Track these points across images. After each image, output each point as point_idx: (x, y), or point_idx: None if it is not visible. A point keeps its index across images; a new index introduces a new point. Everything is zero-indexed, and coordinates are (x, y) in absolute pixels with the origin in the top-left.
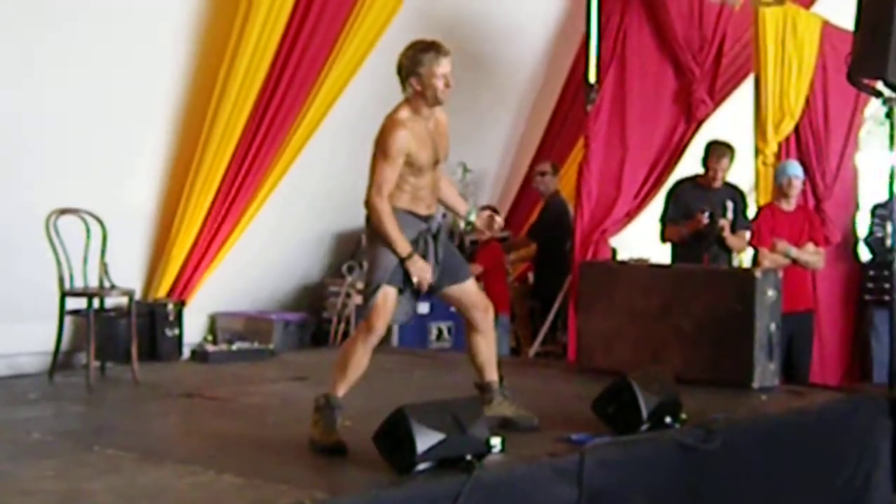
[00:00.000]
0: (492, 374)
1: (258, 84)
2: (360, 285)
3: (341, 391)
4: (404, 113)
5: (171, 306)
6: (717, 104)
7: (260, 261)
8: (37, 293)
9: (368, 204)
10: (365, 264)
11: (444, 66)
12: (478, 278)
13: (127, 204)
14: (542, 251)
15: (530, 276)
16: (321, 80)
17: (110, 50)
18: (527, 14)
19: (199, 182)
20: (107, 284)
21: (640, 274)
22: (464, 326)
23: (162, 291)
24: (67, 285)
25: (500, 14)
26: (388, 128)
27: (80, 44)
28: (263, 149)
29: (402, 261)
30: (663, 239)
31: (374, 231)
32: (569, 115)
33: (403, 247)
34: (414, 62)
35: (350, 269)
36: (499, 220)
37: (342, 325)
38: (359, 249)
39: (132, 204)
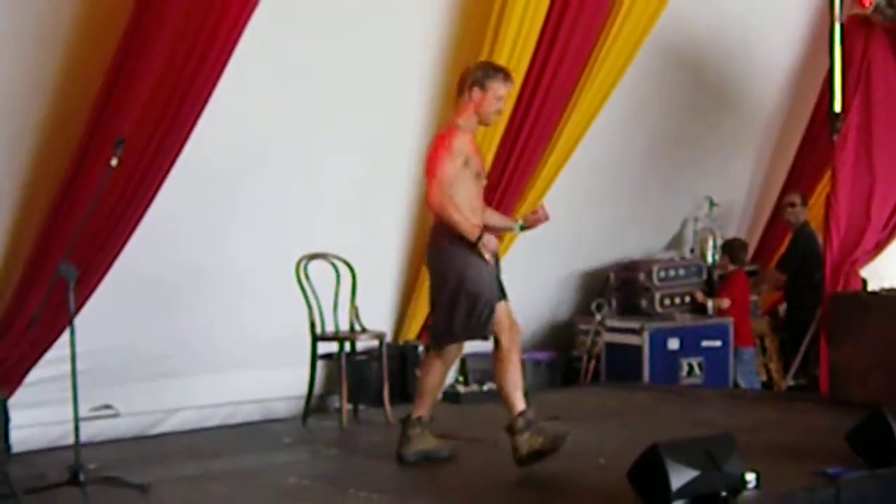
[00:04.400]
0: (515, 408)
1: (505, 118)
2: (609, 322)
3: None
4: (462, 122)
5: (421, 348)
6: None
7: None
8: (289, 338)
9: (431, 202)
10: (613, 301)
11: (505, 91)
12: (727, 311)
13: (377, 247)
14: (792, 283)
15: (781, 309)
16: (566, 117)
17: (358, 93)
18: (770, 48)
19: None
20: (358, 328)
21: (892, 304)
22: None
23: (412, 334)
24: (319, 330)
25: (743, 49)
26: (450, 131)
27: (330, 89)
28: (511, 189)
29: (474, 245)
30: None
31: (450, 247)
32: (816, 146)
33: (473, 229)
34: (486, 75)
35: (599, 307)
36: (544, 209)
37: (592, 363)
38: (607, 287)
39: (383, 247)
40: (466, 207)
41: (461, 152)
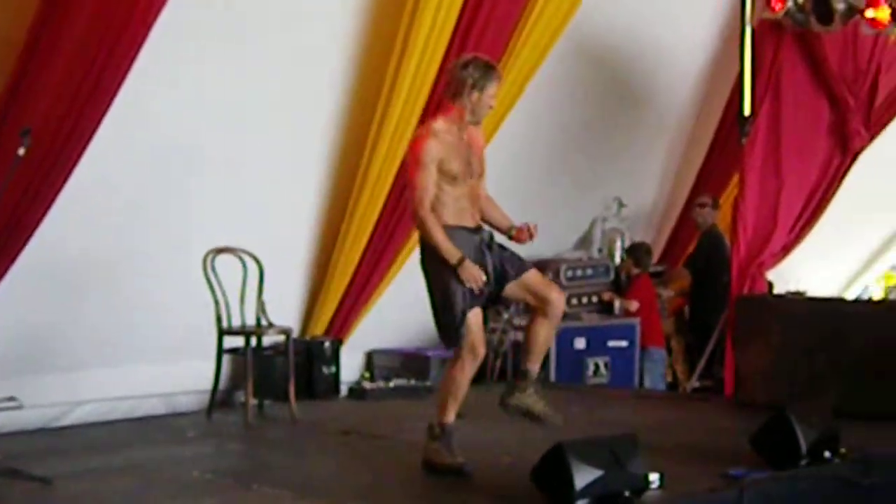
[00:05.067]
0: (534, 364)
1: (416, 116)
2: (516, 321)
3: (451, 416)
4: (438, 124)
5: (328, 344)
6: (872, 135)
7: (417, 297)
8: (195, 332)
9: (415, 217)
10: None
11: (496, 89)
12: (634, 314)
13: (285, 243)
14: (697, 285)
15: (686, 311)
16: None
17: (270, 93)
18: (681, 49)
19: (357, 219)
20: (264, 323)
21: (797, 307)
22: (532, 314)
23: (319, 329)
24: (225, 324)
25: (655, 51)
26: (416, 139)
27: (242, 89)
28: None
29: (454, 268)
30: None
31: (429, 257)
32: (725, 148)
33: (453, 253)
34: (482, 75)
35: (507, 306)
36: (531, 231)
37: (499, 361)
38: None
39: (290, 243)
40: (452, 212)
41: (432, 159)
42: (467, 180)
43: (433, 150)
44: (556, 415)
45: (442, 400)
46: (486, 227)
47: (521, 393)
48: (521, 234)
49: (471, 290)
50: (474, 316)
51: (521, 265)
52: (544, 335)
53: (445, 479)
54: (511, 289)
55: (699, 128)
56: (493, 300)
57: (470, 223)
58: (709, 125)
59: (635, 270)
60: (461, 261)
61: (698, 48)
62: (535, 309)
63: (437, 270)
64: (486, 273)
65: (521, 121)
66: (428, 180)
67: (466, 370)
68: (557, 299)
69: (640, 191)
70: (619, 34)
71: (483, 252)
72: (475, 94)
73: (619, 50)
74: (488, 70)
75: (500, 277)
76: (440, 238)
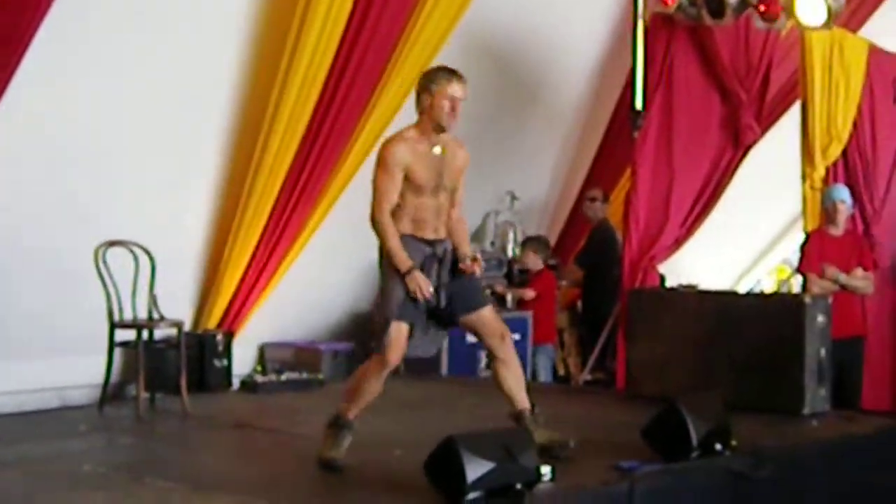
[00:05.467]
0: (522, 403)
1: (308, 111)
2: None
3: (352, 414)
4: (410, 132)
5: (220, 337)
6: (764, 130)
7: (309, 291)
8: (87, 325)
9: (371, 219)
10: None
11: (454, 89)
12: (529, 304)
13: (178, 236)
14: (589, 278)
15: (579, 304)
16: (373, 104)
17: (159, 84)
18: (574, 42)
19: (250, 213)
20: (156, 316)
21: (688, 301)
22: (491, 361)
23: (212, 323)
24: (117, 317)
25: (548, 45)
26: (386, 142)
27: (130, 80)
28: (314, 176)
29: (403, 275)
30: None
31: (383, 260)
32: (618, 142)
33: (403, 261)
34: (429, 79)
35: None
36: (475, 265)
37: None
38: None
39: (183, 236)
40: (410, 221)
41: (397, 164)
42: (436, 194)
43: (400, 154)
44: (568, 438)
45: (346, 393)
46: (448, 246)
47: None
48: (468, 266)
49: (409, 304)
50: (399, 327)
51: (479, 299)
52: (508, 374)
53: (339, 473)
54: (465, 320)
55: (593, 122)
56: (446, 322)
57: (428, 235)
58: (602, 119)
59: (539, 264)
60: (410, 269)
61: (592, 42)
62: (487, 352)
63: (387, 274)
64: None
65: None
66: (390, 185)
67: (371, 373)
68: (500, 339)
69: (534, 184)
70: (513, 28)
71: (433, 265)
72: (427, 99)
73: (513, 44)
74: (437, 72)
75: (451, 299)
76: (394, 244)
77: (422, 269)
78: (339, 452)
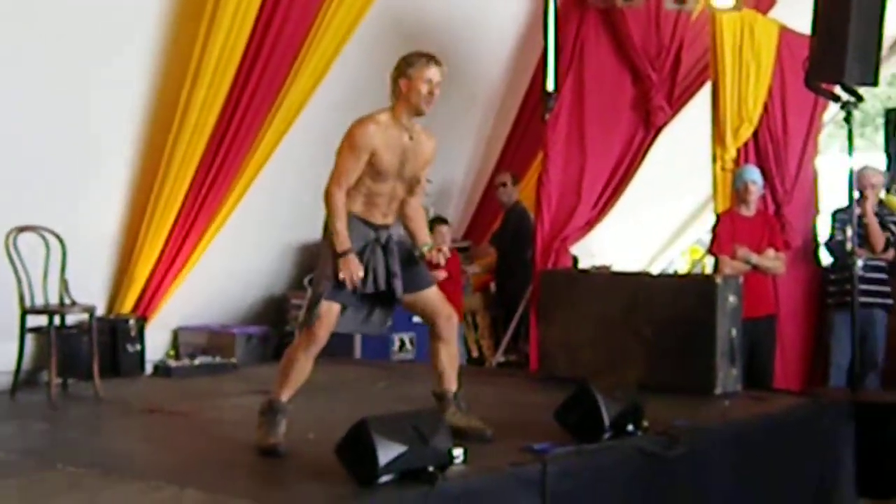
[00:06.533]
0: (449, 384)
1: (221, 99)
2: None
3: (285, 396)
4: (383, 116)
5: (132, 322)
6: (675, 111)
7: (223, 275)
8: None
9: (325, 193)
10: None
11: (432, 73)
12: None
13: (90, 221)
14: (503, 261)
15: (493, 286)
16: (285, 91)
17: (70, 68)
18: (488, 24)
19: (163, 197)
20: (67, 301)
21: (600, 282)
22: (428, 334)
23: (126, 308)
24: (28, 303)
25: (462, 26)
26: (357, 122)
27: (40, 63)
28: (227, 161)
29: (337, 256)
30: None
31: (326, 236)
32: (529, 125)
33: (342, 242)
34: (408, 63)
35: (311, 282)
36: (438, 255)
37: None
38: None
39: (95, 221)
40: (362, 204)
41: (364, 146)
42: (394, 182)
43: (369, 136)
44: (486, 428)
45: (277, 377)
46: (398, 232)
47: (442, 415)
48: (433, 256)
49: (342, 285)
50: (330, 306)
51: (423, 280)
52: (445, 357)
53: (253, 456)
54: (409, 299)
55: (507, 104)
56: (388, 302)
57: (377, 220)
58: (516, 101)
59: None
60: (345, 253)
61: (508, 24)
62: (430, 331)
63: (326, 250)
64: (369, 272)
65: (331, 99)
66: (353, 165)
67: (299, 352)
68: (447, 319)
69: (446, 167)
70: (425, 11)
71: (374, 250)
72: (405, 83)
73: (427, 25)
74: (415, 56)
75: (398, 282)
76: (339, 224)
77: (361, 254)
78: (278, 437)
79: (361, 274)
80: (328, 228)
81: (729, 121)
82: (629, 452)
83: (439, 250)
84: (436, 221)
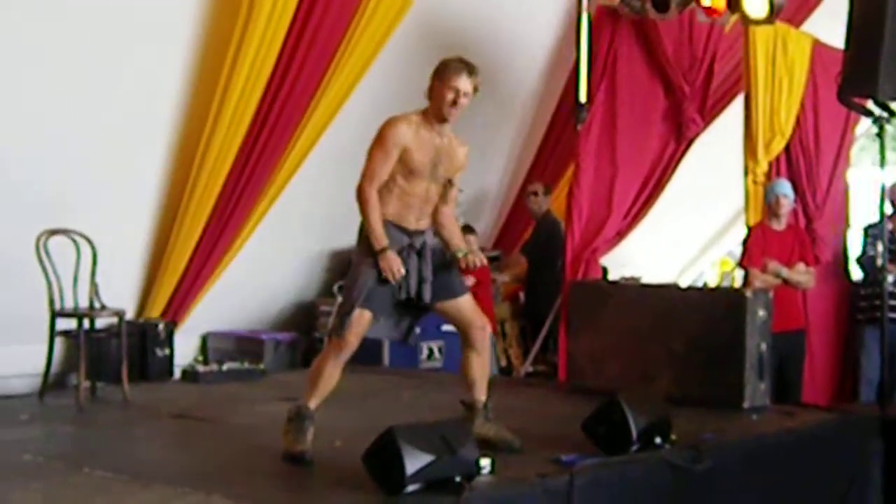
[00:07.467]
0: (479, 394)
1: (253, 105)
2: None
3: (313, 403)
4: (415, 116)
5: (161, 326)
6: (707, 123)
7: (253, 280)
8: (28, 314)
9: (357, 191)
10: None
11: (461, 82)
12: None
13: (121, 224)
14: (533, 271)
15: (521, 296)
16: (318, 97)
17: (106, 76)
18: (523, 35)
19: (194, 203)
20: (97, 305)
21: (630, 293)
22: (459, 343)
23: (155, 312)
24: (58, 306)
25: (498, 36)
26: (389, 120)
27: (79, 69)
28: (259, 168)
29: (376, 254)
30: None
31: (360, 239)
32: (562, 135)
33: (379, 237)
34: (443, 66)
35: (341, 289)
36: (474, 260)
37: None
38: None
39: (126, 225)
40: (395, 206)
41: (396, 144)
42: (428, 182)
43: (401, 134)
44: (514, 438)
45: (305, 384)
46: (431, 238)
47: (470, 424)
48: (463, 260)
49: (377, 291)
50: (362, 314)
51: (458, 288)
52: (477, 367)
53: (280, 463)
54: (442, 307)
55: (540, 114)
56: (419, 310)
57: (411, 225)
58: (549, 112)
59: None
60: (384, 249)
61: (541, 34)
62: (462, 339)
63: (360, 256)
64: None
65: (363, 105)
66: (384, 162)
67: (328, 360)
68: (480, 329)
69: (479, 176)
70: (461, 20)
71: (410, 255)
72: (436, 84)
73: (461, 36)
74: (451, 62)
75: (432, 289)
76: (374, 219)
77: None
78: (305, 444)
79: (403, 271)
80: (362, 233)
81: (761, 134)
82: (657, 465)
83: (472, 258)
84: (464, 230)
